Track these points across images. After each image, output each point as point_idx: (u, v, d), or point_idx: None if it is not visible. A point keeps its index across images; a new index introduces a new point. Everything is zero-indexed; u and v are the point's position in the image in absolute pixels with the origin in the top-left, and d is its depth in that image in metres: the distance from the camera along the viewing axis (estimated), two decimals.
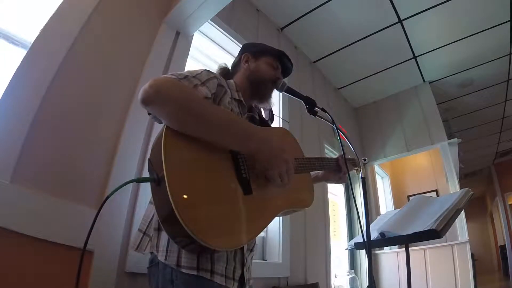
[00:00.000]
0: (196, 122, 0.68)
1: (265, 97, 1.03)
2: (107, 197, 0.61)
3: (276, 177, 0.75)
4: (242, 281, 0.80)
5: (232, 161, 0.75)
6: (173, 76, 0.74)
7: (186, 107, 0.67)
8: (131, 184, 0.67)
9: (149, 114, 0.74)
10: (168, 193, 0.57)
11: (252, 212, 0.73)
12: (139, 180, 0.68)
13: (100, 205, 0.60)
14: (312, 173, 1.12)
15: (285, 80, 1.09)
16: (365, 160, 1.16)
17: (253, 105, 1.06)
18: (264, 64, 1.03)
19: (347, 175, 1.12)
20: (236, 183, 0.73)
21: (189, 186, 0.63)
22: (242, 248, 0.81)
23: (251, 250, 0.88)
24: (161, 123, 0.73)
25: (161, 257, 0.71)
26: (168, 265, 0.70)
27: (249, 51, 1.07)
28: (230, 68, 1.11)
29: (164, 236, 0.73)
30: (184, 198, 0.60)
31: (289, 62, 1.09)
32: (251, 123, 0.94)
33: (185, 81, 0.75)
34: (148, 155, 1.27)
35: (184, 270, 0.68)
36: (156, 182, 0.63)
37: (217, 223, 0.64)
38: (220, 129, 0.71)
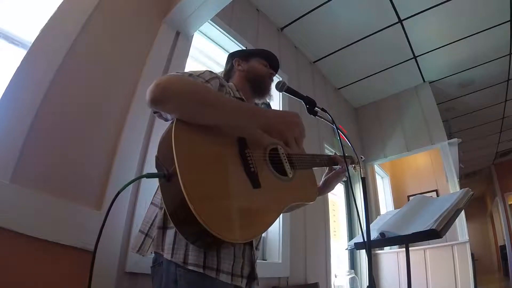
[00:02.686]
0: (207, 107, 0.70)
1: (266, 91, 1.09)
2: (118, 193, 0.61)
3: (292, 141, 0.79)
4: (251, 278, 0.79)
5: (240, 156, 0.75)
6: (178, 73, 0.77)
7: (194, 96, 0.69)
8: (132, 184, 0.68)
9: (154, 113, 0.75)
10: (181, 186, 0.58)
11: (261, 205, 0.74)
12: (150, 175, 0.68)
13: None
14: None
15: (285, 80, 1.11)
16: (362, 158, 1.16)
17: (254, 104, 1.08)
18: (256, 63, 1.09)
19: (345, 169, 1.13)
20: (245, 177, 0.73)
21: (201, 179, 0.63)
22: (251, 245, 0.81)
23: (256, 249, 0.88)
24: (166, 120, 0.74)
25: (166, 255, 0.71)
26: (173, 262, 0.69)
27: (238, 56, 1.12)
28: (223, 75, 1.14)
29: (170, 234, 0.72)
30: (197, 190, 0.60)
31: (275, 59, 1.15)
32: None
33: (190, 77, 0.78)
34: (148, 155, 1.29)
35: (190, 267, 0.68)
36: (167, 177, 0.64)
37: (229, 215, 0.65)
38: (230, 110, 0.73)
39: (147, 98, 0.67)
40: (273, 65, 1.14)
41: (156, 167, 0.69)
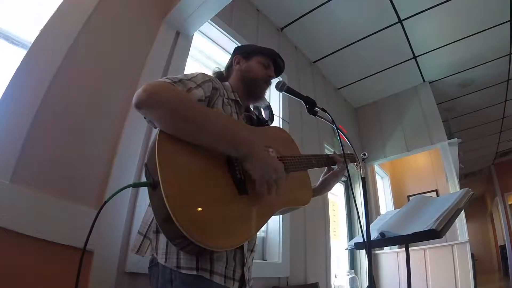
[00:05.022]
0: (188, 126, 0.68)
1: (259, 96, 1.04)
2: (105, 202, 0.62)
3: (262, 185, 0.73)
4: (242, 281, 0.80)
5: (226, 163, 0.75)
6: (168, 80, 0.74)
7: (178, 110, 0.68)
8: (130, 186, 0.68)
9: (145, 118, 0.74)
10: (163, 197, 0.58)
11: (248, 212, 0.73)
12: (136, 185, 0.69)
13: (99, 206, 0.60)
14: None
15: (285, 80, 1.09)
16: (365, 155, 1.15)
17: (251, 105, 1.06)
18: (255, 64, 1.04)
19: (344, 168, 1.11)
20: (231, 184, 0.73)
21: (184, 188, 0.63)
22: (242, 248, 0.81)
23: (252, 250, 0.88)
24: (155, 127, 0.73)
25: (160, 260, 0.72)
26: (168, 266, 0.70)
27: (240, 53, 1.08)
28: (224, 71, 1.11)
29: (163, 238, 0.73)
30: (179, 200, 0.60)
31: (280, 60, 1.09)
32: (247, 123, 0.95)
33: (180, 84, 0.76)
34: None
35: (183, 271, 0.69)
36: (152, 186, 0.63)
37: (214, 224, 0.65)
38: (212, 134, 0.71)
39: (133, 101, 0.67)
40: (276, 66, 1.09)
41: (145, 174, 0.69)
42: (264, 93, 1.05)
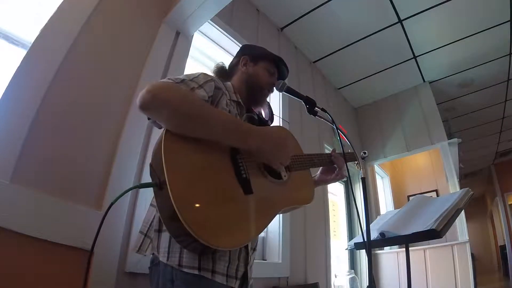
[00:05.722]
0: (196, 123, 0.69)
1: (260, 102, 1.05)
2: (111, 204, 0.63)
3: (280, 167, 0.84)
4: (244, 279, 0.81)
5: (231, 162, 0.75)
6: (170, 80, 0.75)
7: (184, 109, 0.68)
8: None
9: (148, 119, 0.75)
10: (170, 197, 0.59)
11: (253, 211, 0.74)
12: (142, 185, 0.70)
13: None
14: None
15: (285, 80, 1.09)
16: (365, 153, 1.15)
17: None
18: (262, 70, 1.04)
19: (345, 168, 1.12)
20: (236, 184, 0.73)
21: (190, 188, 0.64)
22: (246, 247, 0.82)
23: (254, 249, 0.88)
24: (160, 128, 0.74)
25: (162, 258, 0.72)
26: (169, 265, 0.71)
27: (248, 54, 1.07)
28: (227, 67, 1.11)
29: (165, 237, 0.73)
30: (186, 201, 0.61)
31: (286, 69, 1.10)
32: (249, 123, 0.95)
33: (182, 84, 0.76)
34: (148, 155, 1.28)
35: (185, 270, 0.69)
36: (158, 186, 0.64)
37: (219, 223, 0.65)
38: (220, 128, 0.72)
39: (137, 103, 0.67)
40: (281, 75, 1.09)
41: (150, 175, 0.70)
42: (265, 99, 1.07)
